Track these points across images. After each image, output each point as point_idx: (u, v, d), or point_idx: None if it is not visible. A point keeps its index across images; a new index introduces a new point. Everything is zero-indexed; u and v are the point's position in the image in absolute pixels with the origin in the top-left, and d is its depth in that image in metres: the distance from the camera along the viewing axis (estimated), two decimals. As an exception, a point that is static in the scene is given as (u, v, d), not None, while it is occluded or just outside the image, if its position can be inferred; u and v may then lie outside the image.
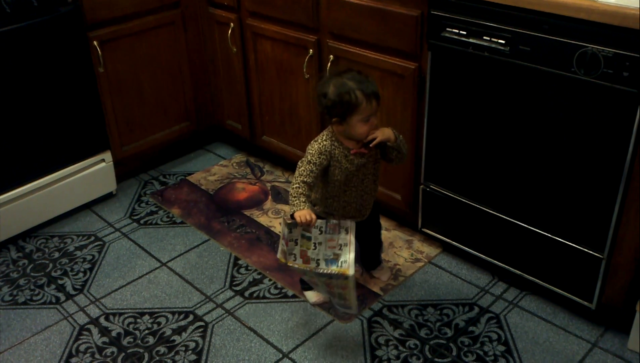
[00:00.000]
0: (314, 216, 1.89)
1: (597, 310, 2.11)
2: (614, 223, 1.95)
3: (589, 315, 2.17)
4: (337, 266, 1.90)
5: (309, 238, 1.93)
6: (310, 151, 1.97)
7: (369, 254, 2.37)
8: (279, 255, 1.98)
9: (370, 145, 1.96)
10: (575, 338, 2.12)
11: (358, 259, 2.17)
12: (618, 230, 1.96)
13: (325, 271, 1.92)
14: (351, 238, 1.90)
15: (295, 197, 1.92)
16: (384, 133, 1.97)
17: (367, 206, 2.14)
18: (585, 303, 2.12)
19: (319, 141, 1.99)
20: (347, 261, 1.89)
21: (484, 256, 2.35)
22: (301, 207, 1.89)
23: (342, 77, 1.91)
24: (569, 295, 2.15)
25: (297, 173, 1.96)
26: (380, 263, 2.40)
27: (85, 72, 2.68)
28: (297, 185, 1.93)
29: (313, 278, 2.02)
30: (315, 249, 1.93)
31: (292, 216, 1.90)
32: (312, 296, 2.28)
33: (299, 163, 1.98)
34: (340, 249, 1.91)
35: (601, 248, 2.00)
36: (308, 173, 1.94)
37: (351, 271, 1.89)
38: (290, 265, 1.97)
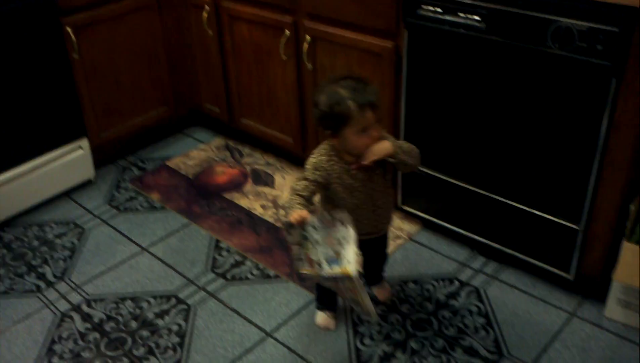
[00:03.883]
0: (304, 212, 1.72)
1: (575, 280, 2.15)
2: (590, 195, 1.98)
3: (567, 285, 2.21)
4: (339, 265, 1.69)
5: (307, 238, 1.76)
6: (307, 166, 1.84)
7: (372, 268, 2.12)
8: (294, 265, 1.85)
9: (352, 171, 1.80)
10: (554, 309, 2.15)
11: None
12: (594, 202, 1.99)
13: (329, 274, 1.71)
14: (350, 231, 1.71)
15: (289, 207, 1.77)
16: (379, 150, 1.77)
17: (383, 221, 1.97)
18: (563, 274, 2.15)
19: (316, 154, 1.84)
20: (348, 258, 1.68)
21: (463, 232, 2.37)
22: (296, 208, 1.75)
23: (337, 85, 1.75)
24: (547, 267, 2.18)
25: (291, 187, 1.83)
26: (382, 280, 2.22)
27: (59, 59, 2.64)
28: (292, 197, 1.79)
29: (328, 283, 1.82)
30: (314, 248, 1.75)
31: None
32: (319, 317, 2.14)
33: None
34: (339, 244, 1.72)
35: (578, 219, 2.04)
36: (303, 187, 1.80)
37: (353, 271, 1.66)
38: (302, 272, 1.81)
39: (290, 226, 1.74)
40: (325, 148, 1.84)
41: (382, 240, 2.09)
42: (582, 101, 1.88)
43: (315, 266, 1.75)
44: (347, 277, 1.67)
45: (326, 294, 2.08)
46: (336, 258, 1.71)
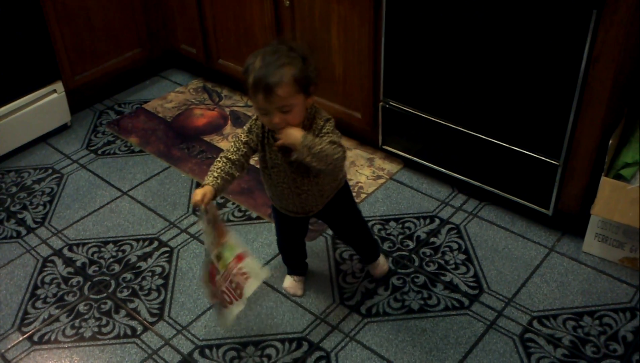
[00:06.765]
0: (207, 195, 1.58)
1: (554, 216, 2.17)
2: (570, 130, 1.98)
3: (546, 221, 2.23)
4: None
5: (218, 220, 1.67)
6: (244, 127, 1.70)
7: (359, 250, 2.07)
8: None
9: (273, 147, 1.65)
10: (533, 244, 2.18)
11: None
12: (573, 137, 1.99)
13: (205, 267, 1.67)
14: (205, 226, 1.61)
15: (210, 171, 1.64)
16: (288, 137, 1.57)
17: (311, 205, 1.79)
18: (543, 210, 2.17)
19: (253, 117, 1.69)
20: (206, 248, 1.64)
21: (444, 170, 2.38)
22: (206, 182, 1.61)
23: (266, 49, 1.57)
24: (526, 203, 2.20)
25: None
26: (376, 259, 2.06)
27: (28, -1, 2.56)
28: (218, 159, 1.66)
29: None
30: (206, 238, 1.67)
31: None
32: (287, 281, 2.07)
33: None
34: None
35: (557, 155, 2.04)
36: (234, 149, 1.66)
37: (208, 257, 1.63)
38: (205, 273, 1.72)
39: (195, 208, 1.62)
40: None
41: (348, 223, 1.95)
42: (562, 35, 1.86)
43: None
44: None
45: (290, 259, 2.06)
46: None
